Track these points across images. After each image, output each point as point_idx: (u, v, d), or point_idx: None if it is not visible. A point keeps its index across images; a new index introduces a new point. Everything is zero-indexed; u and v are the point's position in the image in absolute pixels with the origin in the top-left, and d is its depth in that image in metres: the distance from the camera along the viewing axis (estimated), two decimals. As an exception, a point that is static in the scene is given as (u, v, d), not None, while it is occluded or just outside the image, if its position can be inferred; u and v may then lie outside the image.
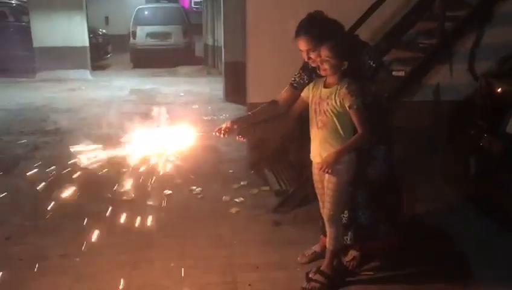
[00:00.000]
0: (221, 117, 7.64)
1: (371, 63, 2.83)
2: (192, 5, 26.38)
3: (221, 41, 11.14)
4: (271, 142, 4.50)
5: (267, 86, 4.77)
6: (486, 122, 2.99)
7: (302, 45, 2.85)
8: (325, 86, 2.75)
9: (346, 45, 2.72)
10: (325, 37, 2.70)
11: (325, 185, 2.83)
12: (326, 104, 2.71)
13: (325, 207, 2.86)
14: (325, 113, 2.72)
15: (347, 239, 3.11)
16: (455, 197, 4.01)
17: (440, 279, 2.99)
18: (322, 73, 2.74)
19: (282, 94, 3.09)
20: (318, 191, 2.97)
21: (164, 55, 14.10)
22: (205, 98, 9.27)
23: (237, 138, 2.91)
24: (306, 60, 2.93)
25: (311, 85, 2.87)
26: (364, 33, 4.58)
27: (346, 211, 3.05)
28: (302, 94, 2.89)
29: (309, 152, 2.94)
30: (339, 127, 2.70)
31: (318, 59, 2.73)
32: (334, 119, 2.70)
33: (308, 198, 3.95)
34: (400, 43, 4.34)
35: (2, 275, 3.04)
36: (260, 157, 4.80)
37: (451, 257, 3.23)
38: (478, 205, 3.27)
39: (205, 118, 7.58)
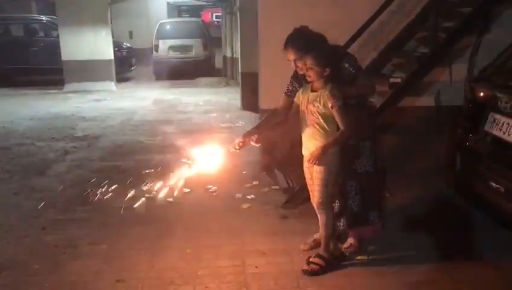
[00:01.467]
0: (238, 124, 8.05)
1: (351, 70, 3.22)
2: (214, 19, 27.10)
3: (239, 53, 11.62)
4: (281, 145, 4.86)
5: (276, 92, 5.16)
6: (469, 122, 3.32)
7: (290, 55, 3.28)
8: (312, 90, 3.16)
9: (327, 54, 3.11)
10: (309, 48, 3.11)
11: (313, 175, 3.20)
12: (313, 105, 3.12)
13: (314, 195, 3.24)
14: (312, 113, 3.13)
15: (340, 225, 3.51)
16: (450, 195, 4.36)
17: (427, 259, 3.34)
18: (308, 79, 3.16)
19: (280, 103, 3.53)
20: (308, 182, 3.35)
21: (185, 67, 14.63)
22: (223, 107, 9.70)
23: (253, 143, 3.32)
24: (294, 68, 3.34)
25: (300, 90, 3.29)
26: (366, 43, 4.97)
27: (337, 200, 3.43)
28: (295, 99, 3.30)
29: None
30: (324, 125, 3.10)
31: (304, 67, 3.13)
32: (320, 118, 3.10)
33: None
34: (399, 53, 4.68)
35: (40, 259, 3.50)
36: (271, 160, 5.16)
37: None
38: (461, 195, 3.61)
39: (223, 125, 7.99)
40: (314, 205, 3.24)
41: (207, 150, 5.31)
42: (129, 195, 4.77)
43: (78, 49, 12.13)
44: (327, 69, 3.03)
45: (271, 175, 5.09)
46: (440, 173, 4.68)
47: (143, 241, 3.77)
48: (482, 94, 3.25)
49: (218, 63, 16.64)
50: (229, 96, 10.88)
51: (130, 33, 19.71)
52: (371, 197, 3.40)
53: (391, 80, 4.30)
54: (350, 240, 3.50)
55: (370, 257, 3.40)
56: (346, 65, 3.18)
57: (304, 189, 4.37)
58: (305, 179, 4.53)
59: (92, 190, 4.83)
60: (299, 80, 3.38)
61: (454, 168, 3.48)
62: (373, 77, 3.60)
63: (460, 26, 4.20)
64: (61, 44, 12.17)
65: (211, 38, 15.92)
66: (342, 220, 3.49)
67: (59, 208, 4.51)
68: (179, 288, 3.11)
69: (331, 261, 3.27)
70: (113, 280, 3.21)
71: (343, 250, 3.44)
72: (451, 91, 5.30)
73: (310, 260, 3.29)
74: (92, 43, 12.18)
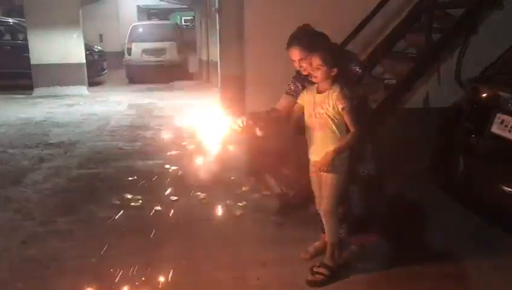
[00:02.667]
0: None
1: (357, 69, 3.09)
2: (183, 23, 26.84)
3: (215, 57, 11.44)
4: (273, 149, 4.71)
5: (264, 95, 5.02)
6: (473, 124, 3.25)
7: (294, 55, 3.11)
8: (318, 92, 2.99)
9: (335, 53, 2.97)
10: (315, 47, 2.96)
11: (322, 181, 3.05)
12: (320, 108, 2.96)
13: (322, 203, 3.08)
14: (320, 116, 2.97)
15: (341, 232, 3.36)
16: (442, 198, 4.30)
17: (434, 264, 3.23)
18: (314, 80, 2.99)
19: (281, 103, 3.33)
20: (315, 188, 3.18)
21: (159, 71, 14.35)
22: (202, 111, 9.47)
23: (258, 132, 3.09)
24: (298, 68, 3.18)
25: (304, 92, 3.11)
26: (357, 44, 4.88)
27: (339, 206, 3.28)
28: (299, 101, 3.12)
29: (307, 158, 3.19)
30: (334, 128, 2.95)
31: (309, 67, 2.98)
32: (329, 121, 2.94)
33: (308, 200, 4.19)
34: (391, 53, 4.60)
35: (23, 275, 3.24)
36: (261, 164, 5.01)
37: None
38: (465, 203, 3.53)
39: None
40: (322, 212, 3.09)
41: (191, 155, 5.14)
42: (113, 204, 4.55)
43: (48, 53, 11.73)
44: (335, 69, 2.89)
45: (261, 180, 4.94)
46: (431, 176, 4.69)
47: (134, 253, 3.54)
48: (486, 95, 3.18)
49: (191, 67, 16.43)
50: (206, 100, 10.67)
51: (100, 36, 19.28)
52: (373, 202, 3.29)
53: (386, 81, 4.21)
54: (353, 248, 3.38)
55: (374, 264, 3.27)
56: (353, 64, 3.06)
57: (298, 194, 4.28)
58: (297, 184, 4.46)
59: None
60: (301, 81, 3.23)
61: (455, 171, 3.39)
62: (375, 77, 3.49)
63: (455, 26, 4.15)
64: (30, 47, 11.75)
65: (186, 41, 15.68)
66: (343, 226, 3.34)
67: (39, 219, 4.23)
68: (177, 303, 2.92)
69: (336, 270, 3.13)
70: (104, 297, 2.99)
71: (345, 258, 3.31)
72: (440, 92, 5.26)
73: (314, 269, 3.14)
74: (62, 46, 11.80)
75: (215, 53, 11.49)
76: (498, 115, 3.01)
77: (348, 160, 3.00)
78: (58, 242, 3.75)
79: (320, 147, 2.98)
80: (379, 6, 4.46)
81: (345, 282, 3.12)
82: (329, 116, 2.92)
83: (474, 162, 3.23)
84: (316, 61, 2.88)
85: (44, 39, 11.69)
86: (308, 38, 3.04)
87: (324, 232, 3.39)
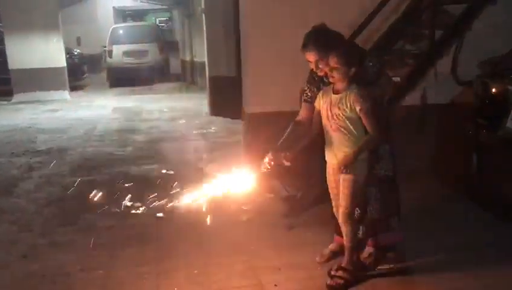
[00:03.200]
0: (211, 130, 7.76)
1: (374, 69, 3.03)
2: (157, 24, 26.64)
3: (200, 57, 11.31)
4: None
5: (264, 95, 4.94)
6: (486, 120, 3.21)
7: (311, 56, 3.02)
8: (334, 93, 2.91)
9: (352, 53, 2.90)
10: (332, 47, 2.88)
11: (340, 184, 2.98)
12: (337, 109, 2.88)
13: (341, 206, 3.00)
14: (337, 117, 2.89)
15: (359, 233, 3.26)
16: (453, 194, 4.28)
17: (450, 267, 3.18)
18: (331, 80, 2.91)
19: (302, 113, 3.25)
20: (332, 192, 3.11)
21: (141, 73, 14.15)
22: (190, 113, 9.36)
23: (286, 163, 3.05)
24: (315, 70, 3.09)
25: (320, 94, 3.03)
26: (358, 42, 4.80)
27: (357, 207, 3.21)
28: (315, 104, 3.04)
29: (315, 159, 3.12)
30: (352, 129, 2.86)
31: (326, 68, 2.91)
32: (347, 122, 2.86)
33: (316, 201, 4.13)
34: (392, 51, 4.56)
35: (29, 291, 3.09)
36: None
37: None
38: (479, 201, 3.49)
39: (195, 132, 7.67)
40: (340, 216, 3.00)
41: (188, 158, 4.99)
42: (113, 212, 4.41)
43: (28, 57, 11.44)
44: (352, 69, 2.81)
45: (264, 183, 4.84)
46: (434, 173, 4.68)
47: (142, 264, 3.41)
48: (500, 90, 3.15)
49: (172, 67, 16.23)
50: (193, 102, 10.55)
51: (78, 39, 18.91)
52: (391, 202, 3.22)
53: (391, 78, 4.15)
54: (368, 249, 3.30)
55: (392, 266, 3.21)
56: (370, 64, 2.99)
57: (306, 196, 4.21)
58: (305, 186, 4.39)
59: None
60: (316, 83, 3.15)
61: (467, 168, 3.36)
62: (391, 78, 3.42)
63: (456, 23, 4.14)
64: (8, 52, 11.44)
65: (166, 42, 15.49)
66: (360, 228, 3.26)
67: (37, 231, 4.06)
68: (196, 315, 2.82)
69: (355, 273, 3.06)
70: (118, 311, 2.86)
71: (362, 260, 3.25)
72: (437, 89, 5.25)
73: (333, 273, 3.07)
74: (42, 51, 11.53)
75: (200, 54, 11.38)
76: (513, 110, 3.00)
77: (367, 162, 2.93)
78: (61, 254, 3.59)
79: (338, 149, 2.91)
80: (381, 5, 4.41)
81: (364, 285, 3.05)
82: (346, 118, 2.85)
83: (488, 158, 3.19)
84: (333, 61, 2.80)
85: (23, 43, 11.40)
86: (324, 37, 2.95)
87: (338, 234, 3.33)
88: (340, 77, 2.82)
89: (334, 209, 3.10)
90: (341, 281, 2.99)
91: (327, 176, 3.08)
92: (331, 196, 3.10)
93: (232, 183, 3.54)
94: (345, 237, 3.05)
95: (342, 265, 3.07)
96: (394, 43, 4.80)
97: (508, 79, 3.19)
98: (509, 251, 3.34)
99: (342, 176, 2.90)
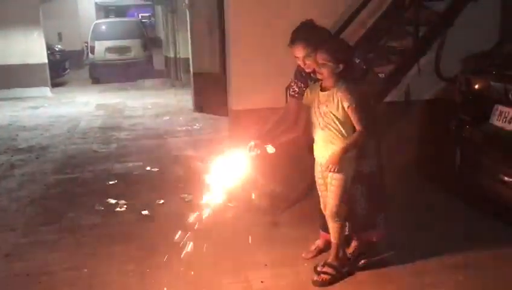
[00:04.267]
0: (195, 127, 7.73)
1: (361, 65, 3.04)
2: (140, 19, 26.40)
3: (184, 54, 11.22)
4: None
5: (249, 92, 4.92)
6: (470, 116, 3.25)
7: (298, 52, 3.01)
8: (322, 90, 2.91)
9: (340, 49, 2.91)
10: (320, 43, 2.88)
11: (328, 182, 2.99)
12: (325, 106, 2.88)
13: (328, 203, 3.01)
14: (325, 114, 2.88)
15: (346, 230, 3.29)
16: (436, 189, 4.34)
17: (433, 260, 3.22)
18: (319, 77, 2.91)
19: (288, 107, 3.25)
20: (320, 189, 3.11)
21: (124, 69, 13.96)
22: (174, 110, 9.30)
23: (270, 150, 3.05)
24: (302, 66, 3.08)
25: (307, 91, 3.03)
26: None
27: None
28: (303, 101, 3.04)
29: (301, 155, 3.12)
30: (339, 127, 2.86)
31: (314, 64, 2.90)
32: (335, 119, 2.86)
33: (301, 198, 4.14)
34: (376, 48, 4.59)
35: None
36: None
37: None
38: (461, 195, 3.54)
39: (179, 129, 7.63)
40: (328, 213, 3.01)
41: (171, 155, 4.95)
42: (97, 210, 4.37)
43: (7, 53, 11.24)
44: (340, 65, 2.81)
45: (249, 180, 4.83)
46: (417, 169, 4.73)
47: (127, 261, 3.39)
48: (484, 86, 3.19)
49: (155, 64, 16.09)
50: (177, 98, 10.48)
51: (59, 35, 18.59)
52: (378, 199, 3.24)
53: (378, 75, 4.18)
54: (354, 244, 3.33)
55: (377, 260, 3.24)
56: (358, 60, 2.99)
57: (291, 192, 4.22)
58: (289, 182, 4.39)
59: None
60: (304, 79, 3.14)
61: (451, 164, 3.40)
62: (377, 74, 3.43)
63: (441, 19, 4.17)
64: (-13, 47, 11.21)
65: (149, 38, 15.34)
66: (347, 224, 3.28)
67: (20, 230, 4.01)
68: (183, 313, 2.80)
69: (342, 269, 3.08)
70: (104, 310, 2.84)
71: (348, 255, 3.27)
72: (420, 85, 5.29)
73: (319, 269, 3.09)
74: (22, 46, 11.32)
75: (184, 50, 11.30)
76: (496, 106, 3.03)
77: (354, 159, 2.94)
78: (45, 253, 3.55)
79: (326, 147, 2.91)
80: (366, 1, 4.43)
81: (350, 281, 3.07)
82: (334, 115, 2.85)
83: (472, 153, 3.24)
84: (321, 57, 2.79)
85: (3, 39, 11.18)
86: (312, 33, 2.95)
87: (324, 230, 3.35)
88: (328, 73, 2.81)
89: (322, 206, 3.11)
90: (327, 277, 3.02)
91: (315, 173, 3.09)
92: (319, 193, 3.11)
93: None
94: (331, 234, 3.07)
95: (328, 261, 3.09)
96: (378, 39, 4.82)
97: (491, 75, 3.23)
98: (489, 244, 3.39)
99: (331, 174, 2.91)
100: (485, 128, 3.15)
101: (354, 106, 2.79)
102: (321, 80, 2.89)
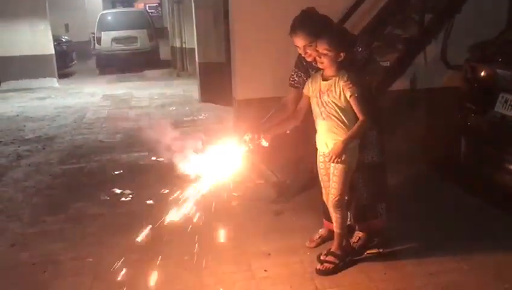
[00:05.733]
0: (201, 117, 7.73)
1: (363, 54, 3.00)
2: (147, 10, 26.37)
3: (190, 44, 11.20)
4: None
5: (253, 82, 4.91)
6: (475, 104, 3.22)
7: (299, 41, 2.97)
8: (324, 79, 2.89)
9: (341, 37, 2.88)
10: (320, 32, 2.85)
11: (330, 172, 2.98)
12: (327, 96, 2.86)
13: (331, 193, 3.00)
14: (327, 104, 2.87)
15: (348, 220, 3.29)
16: (439, 179, 4.31)
17: (436, 250, 3.21)
18: (320, 66, 2.88)
19: (288, 97, 3.22)
20: (323, 179, 3.10)
21: (131, 59, 13.97)
22: (180, 100, 9.30)
23: (264, 144, 3.04)
24: (303, 55, 3.06)
25: (309, 80, 3.00)
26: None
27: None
28: (304, 91, 3.01)
29: (304, 145, 3.11)
30: (342, 116, 2.85)
31: (315, 53, 2.88)
32: (337, 109, 2.84)
33: (305, 187, 4.14)
34: (382, 36, 4.54)
35: (18, 280, 3.07)
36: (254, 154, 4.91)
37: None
38: (466, 185, 3.51)
39: (186, 119, 7.64)
40: (330, 203, 3.01)
41: (177, 145, 4.96)
42: (102, 200, 4.39)
43: (15, 44, 11.24)
44: (341, 54, 2.79)
45: (254, 169, 4.84)
46: (423, 157, 4.70)
47: (132, 251, 3.39)
48: (489, 74, 3.15)
49: (162, 54, 16.08)
50: (183, 89, 10.47)
51: (66, 26, 18.61)
52: (379, 188, 3.23)
53: (380, 64, 4.14)
54: (358, 234, 3.33)
55: (381, 250, 3.24)
56: (359, 49, 2.96)
57: (295, 182, 4.22)
58: (294, 172, 4.38)
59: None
60: (304, 68, 3.12)
61: (456, 152, 3.37)
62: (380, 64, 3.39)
63: (447, 6, 4.12)
64: (-5, 39, 11.25)
65: (155, 28, 15.31)
66: (349, 214, 3.28)
67: (26, 220, 4.04)
68: (187, 301, 2.82)
69: (345, 257, 3.08)
70: (109, 298, 2.86)
71: (352, 244, 3.27)
72: (426, 73, 5.24)
73: (322, 258, 3.09)
74: (29, 37, 11.33)
75: (190, 40, 11.28)
76: (502, 94, 2.99)
77: (357, 149, 2.93)
78: (50, 243, 3.58)
79: (328, 137, 2.90)
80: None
81: (353, 270, 3.07)
82: (336, 104, 2.83)
83: (476, 142, 3.21)
84: (322, 46, 2.77)
85: (10, 30, 11.20)
86: (313, 22, 2.91)
87: (327, 219, 3.35)
88: (329, 62, 2.79)
89: (324, 196, 3.11)
90: (330, 266, 3.02)
91: (317, 163, 3.07)
92: (321, 183, 3.10)
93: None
94: (334, 224, 3.07)
95: (332, 250, 3.09)
96: (384, 27, 4.77)
97: (496, 63, 3.19)
98: (493, 234, 3.38)
99: (333, 165, 2.90)
100: (490, 117, 3.12)
101: (356, 95, 2.76)
102: (322, 69, 2.87)
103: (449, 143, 3.58)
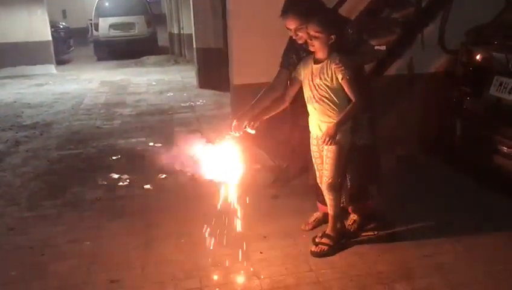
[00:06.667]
0: (198, 103, 7.73)
1: (354, 36, 2.99)
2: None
3: (188, 30, 11.15)
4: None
5: (251, 67, 4.89)
6: (470, 87, 3.23)
7: (290, 23, 2.95)
8: (315, 62, 2.89)
9: (331, 19, 2.86)
10: (311, 14, 2.82)
11: (324, 154, 2.99)
12: (318, 78, 2.86)
13: (324, 175, 3.01)
14: (319, 87, 2.87)
15: (342, 202, 3.31)
16: (437, 163, 4.33)
17: (430, 232, 3.24)
18: (311, 49, 2.87)
19: (277, 78, 3.20)
20: (316, 162, 3.12)
21: (128, 46, 13.96)
22: (178, 86, 9.29)
23: (249, 130, 3.06)
24: (294, 37, 3.04)
25: (301, 64, 2.99)
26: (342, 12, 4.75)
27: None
28: (295, 74, 3.01)
29: (299, 129, 3.12)
30: (334, 99, 2.85)
31: (306, 36, 2.87)
32: (329, 91, 2.84)
33: (302, 171, 4.15)
34: (379, 19, 4.52)
35: (16, 263, 3.11)
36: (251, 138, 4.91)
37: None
38: (461, 167, 3.53)
39: (183, 105, 7.64)
40: (324, 185, 3.02)
41: (174, 131, 4.95)
42: (100, 185, 4.42)
43: (12, 31, 11.24)
44: (332, 36, 2.78)
45: (251, 154, 4.85)
46: (418, 141, 4.72)
47: (130, 234, 3.44)
48: (484, 57, 3.15)
49: (160, 40, 16.03)
50: (181, 75, 10.46)
51: (64, 12, 18.56)
52: (370, 171, 3.25)
53: (376, 48, 4.12)
54: (353, 216, 3.36)
55: (376, 233, 3.27)
56: (350, 31, 2.95)
57: (292, 166, 4.23)
58: (290, 156, 4.39)
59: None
60: (296, 51, 3.10)
61: (451, 135, 3.39)
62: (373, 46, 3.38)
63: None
64: (-8, 25, 11.21)
65: (153, 14, 15.24)
66: (342, 197, 3.30)
67: (24, 204, 4.06)
68: (182, 283, 2.84)
69: (339, 239, 3.11)
70: (106, 280, 2.88)
71: (347, 227, 3.30)
72: (424, 58, 5.23)
73: (317, 240, 3.12)
74: (26, 23, 11.32)
75: (187, 26, 11.23)
76: (496, 77, 3.00)
77: (350, 131, 2.94)
78: (48, 227, 3.61)
79: (321, 119, 2.91)
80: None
81: (348, 251, 3.10)
82: (328, 87, 2.83)
83: (471, 125, 3.22)
84: (313, 28, 2.76)
85: (7, 17, 11.18)
86: (303, 4, 2.89)
87: (321, 202, 3.37)
88: (320, 45, 2.79)
89: (318, 179, 3.13)
90: (325, 248, 3.05)
91: (311, 146, 3.09)
92: (315, 166, 3.12)
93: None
94: (329, 206, 3.09)
95: (326, 232, 3.12)
96: (381, 11, 4.75)
97: (491, 45, 3.18)
98: (489, 216, 3.41)
99: (327, 147, 2.91)
100: (485, 100, 3.13)
101: (347, 77, 2.77)
102: (313, 52, 2.86)
103: (445, 126, 3.58)
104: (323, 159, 2.98)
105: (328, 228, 3.13)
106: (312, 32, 2.78)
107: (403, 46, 4.15)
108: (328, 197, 3.05)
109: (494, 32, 3.27)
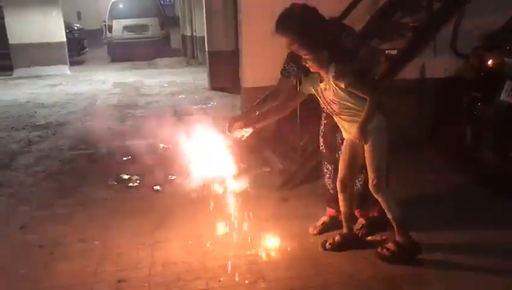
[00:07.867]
0: (210, 105, 7.75)
1: (350, 39, 2.96)
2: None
3: (200, 32, 11.22)
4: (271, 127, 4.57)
5: (261, 70, 4.91)
6: (481, 92, 3.20)
7: (283, 39, 2.90)
8: (321, 80, 2.88)
9: (320, 36, 2.80)
10: (300, 33, 2.78)
11: (366, 156, 2.89)
12: (330, 94, 2.86)
13: (370, 178, 2.91)
14: (333, 102, 2.86)
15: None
16: (447, 167, 4.30)
17: (440, 238, 3.21)
18: (311, 70, 2.86)
19: (278, 85, 3.22)
20: (342, 163, 3.06)
21: (142, 48, 14.05)
22: (190, 88, 9.34)
23: (243, 132, 3.10)
24: (288, 49, 3.02)
25: (306, 81, 2.98)
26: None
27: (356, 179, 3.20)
28: (302, 89, 3.02)
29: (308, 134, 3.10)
30: (353, 105, 2.82)
31: (301, 54, 2.83)
32: (344, 102, 2.82)
33: (311, 175, 4.15)
34: (391, 23, 4.52)
35: (26, 261, 3.14)
36: (261, 141, 4.92)
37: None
38: (472, 173, 3.50)
39: (194, 107, 7.67)
40: (370, 188, 2.93)
41: (184, 133, 5.00)
42: (110, 185, 4.45)
43: (27, 32, 11.37)
44: (324, 51, 2.74)
45: (261, 157, 4.86)
46: (429, 145, 4.70)
47: (138, 235, 3.46)
48: (495, 62, 3.13)
49: (173, 42, 16.13)
50: (193, 77, 10.50)
51: (78, 14, 18.75)
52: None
53: (387, 52, 4.13)
54: (361, 221, 3.34)
55: (384, 238, 3.24)
56: (347, 40, 2.92)
57: (301, 170, 4.23)
58: (300, 160, 4.39)
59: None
60: (296, 60, 3.02)
61: (462, 141, 3.36)
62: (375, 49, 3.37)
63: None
64: (8, 27, 11.36)
65: (166, 17, 15.35)
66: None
67: (35, 203, 4.11)
68: (190, 284, 2.85)
69: (408, 249, 2.96)
70: (114, 280, 2.90)
71: (355, 231, 3.28)
72: (436, 63, 5.20)
73: (379, 250, 3.02)
74: (41, 25, 11.44)
75: (200, 28, 11.28)
76: (508, 82, 2.97)
77: (381, 129, 2.86)
78: (58, 226, 3.64)
79: (348, 125, 2.90)
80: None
81: (356, 255, 3.08)
82: (341, 98, 2.81)
83: (482, 131, 3.19)
84: (302, 52, 2.76)
85: (22, 18, 11.32)
86: (293, 22, 2.81)
87: (330, 207, 3.37)
88: (316, 64, 2.79)
89: (338, 182, 3.08)
90: (387, 253, 2.97)
91: (343, 148, 3.05)
92: (340, 168, 3.06)
93: (229, 154, 3.57)
94: (386, 210, 2.96)
95: (396, 239, 2.99)
96: (392, 15, 4.75)
97: (503, 51, 3.16)
98: (499, 223, 3.37)
99: (365, 148, 2.86)
100: (496, 105, 3.10)
101: (349, 82, 2.74)
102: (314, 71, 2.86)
103: (455, 132, 3.55)
104: (367, 161, 2.90)
105: (397, 235, 3.00)
106: (301, 54, 2.79)
107: (414, 51, 4.12)
108: (380, 200, 2.94)
109: (506, 37, 3.24)
